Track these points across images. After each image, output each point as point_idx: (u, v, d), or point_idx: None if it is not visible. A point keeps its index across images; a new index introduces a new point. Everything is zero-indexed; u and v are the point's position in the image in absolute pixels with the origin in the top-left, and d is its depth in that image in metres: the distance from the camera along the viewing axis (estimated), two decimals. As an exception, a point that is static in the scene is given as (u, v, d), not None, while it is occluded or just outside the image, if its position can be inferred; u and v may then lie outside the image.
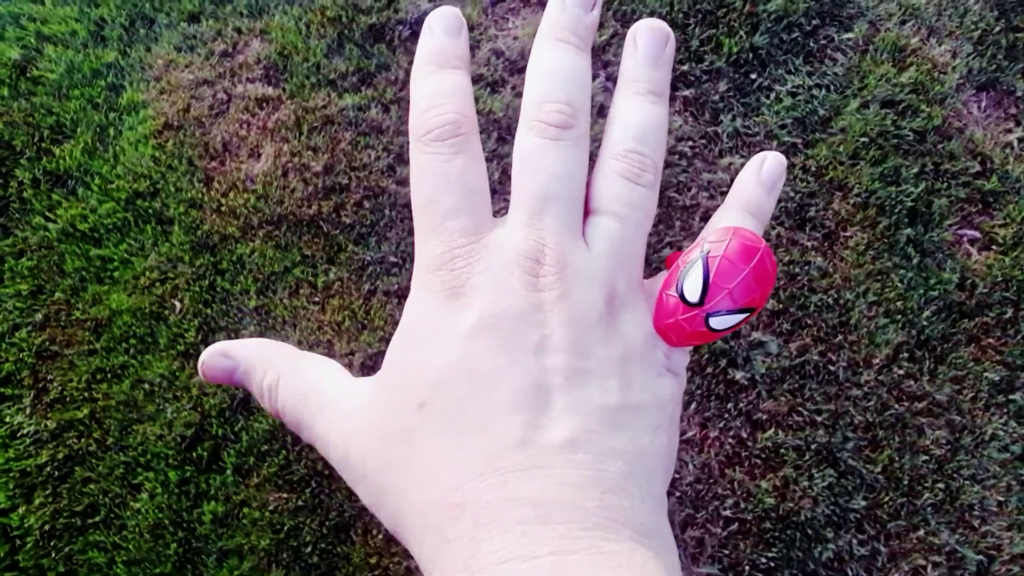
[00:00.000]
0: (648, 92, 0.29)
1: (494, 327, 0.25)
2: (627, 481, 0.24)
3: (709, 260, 0.26)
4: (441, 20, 0.29)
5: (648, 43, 0.29)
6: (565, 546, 0.22)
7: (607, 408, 0.24)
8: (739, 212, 0.29)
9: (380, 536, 1.02)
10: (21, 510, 1.02)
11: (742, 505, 1.05)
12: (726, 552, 1.04)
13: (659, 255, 1.14)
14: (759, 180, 0.30)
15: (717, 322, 0.26)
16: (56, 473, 1.04)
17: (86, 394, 1.07)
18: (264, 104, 1.23)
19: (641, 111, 0.29)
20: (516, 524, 0.22)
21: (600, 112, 1.18)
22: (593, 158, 0.28)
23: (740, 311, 0.26)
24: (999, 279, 1.16)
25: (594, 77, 1.26)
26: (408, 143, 0.28)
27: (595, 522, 0.22)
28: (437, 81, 0.28)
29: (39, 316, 1.10)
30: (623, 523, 0.23)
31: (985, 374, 1.12)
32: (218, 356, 0.29)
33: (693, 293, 0.26)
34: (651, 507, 0.24)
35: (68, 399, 1.07)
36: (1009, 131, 1.27)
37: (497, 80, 1.25)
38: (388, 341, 0.93)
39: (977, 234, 1.20)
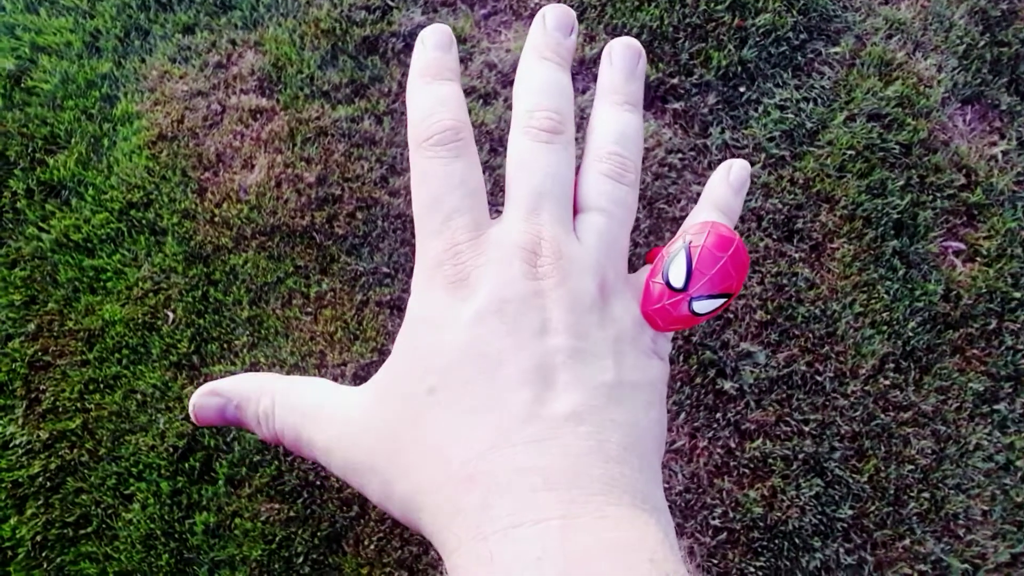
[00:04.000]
0: (625, 103, 0.32)
1: (499, 312, 0.26)
2: (626, 451, 0.25)
3: (691, 249, 0.29)
4: (433, 36, 0.31)
5: (623, 59, 0.32)
6: (572, 510, 0.23)
7: (605, 384, 0.26)
8: (712, 210, 0.32)
9: (372, 547, 1.02)
10: (13, 521, 1.02)
11: (731, 515, 1.06)
12: (715, 562, 1.05)
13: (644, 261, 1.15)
14: (728, 183, 0.32)
15: (700, 306, 0.28)
16: (48, 484, 1.04)
17: (79, 404, 1.07)
18: (258, 115, 1.24)
19: (620, 119, 0.31)
20: (526, 491, 0.23)
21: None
22: (577, 165, 0.31)
23: (719, 296, 0.28)
24: (983, 291, 1.18)
25: (586, 90, 1.28)
26: (401, 154, 0.30)
27: (599, 488, 0.24)
28: (432, 92, 0.30)
29: (32, 326, 1.10)
30: (624, 490, 0.24)
31: (970, 384, 1.14)
32: (208, 395, 0.30)
33: (678, 279, 0.28)
34: (648, 477, 0.26)
35: (61, 410, 1.07)
36: (993, 144, 1.29)
37: (490, 92, 1.27)
38: (381, 352, 0.93)
39: (962, 246, 1.22)
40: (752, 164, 1.25)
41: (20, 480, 1.04)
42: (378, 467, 0.27)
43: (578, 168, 0.31)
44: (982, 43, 1.34)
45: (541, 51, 0.31)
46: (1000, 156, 1.27)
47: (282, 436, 0.29)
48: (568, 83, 0.31)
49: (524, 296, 0.27)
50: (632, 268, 0.31)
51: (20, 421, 1.06)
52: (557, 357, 0.26)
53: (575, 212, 0.30)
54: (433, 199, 0.29)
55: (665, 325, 0.29)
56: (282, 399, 0.29)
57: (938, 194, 1.23)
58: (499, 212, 0.30)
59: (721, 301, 0.28)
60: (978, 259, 1.21)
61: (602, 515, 0.23)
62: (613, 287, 0.29)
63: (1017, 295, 1.18)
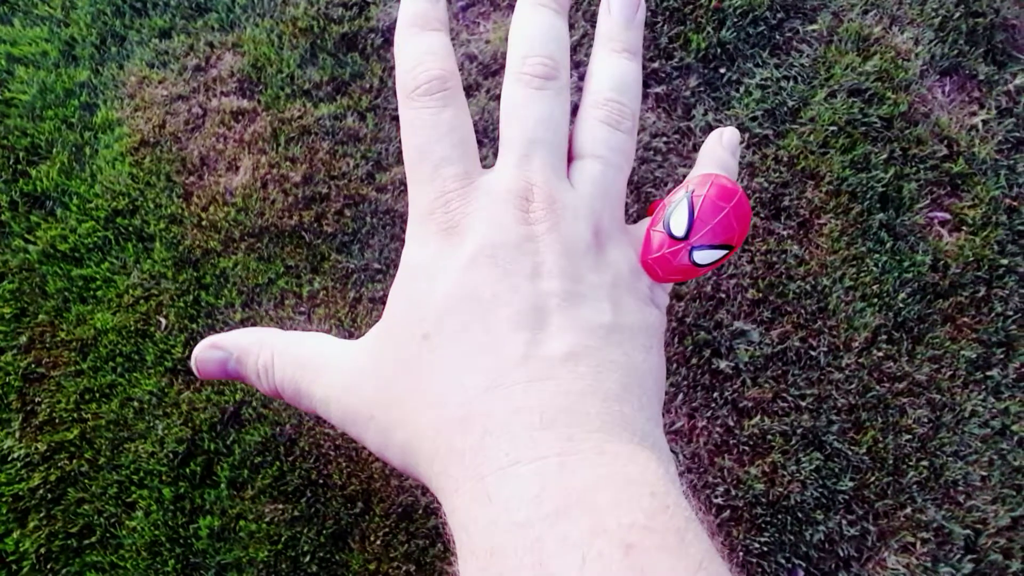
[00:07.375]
0: (623, 50, 0.31)
1: (491, 257, 0.26)
2: (625, 391, 0.25)
3: (694, 198, 0.28)
4: None
5: (621, 6, 0.32)
6: (570, 447, 0.23)
7: (602, 326, 0.26)
8: (713, 165, 0.32)
9: (378, 542, 1.02)
10: (16, 534, 1.01)
11: (733, 492, 1.07)
12: (720, 539, 1.05)
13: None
14: (722, 145, 0.33)
15: (700, 256, 0.28)
16: (49, 496, 1.03)
17: (75, 415, 1.07)
18: (240, 117, 1.23)
19: (618, 66, 0.31)
20: (523, 430, 0.23)
21: (573, 111, 1.19)
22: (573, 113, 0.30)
23: (721, 247, 0.28)
24: (970, 259, 1.19)
25: (567, 77, 1.28)
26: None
27: (598, 425, 0.24)
28: (420, 41, 0.30)
29: (24, 339, 1.10)
30: (624, 427, 0.24)
31: (962, 352, 1.15)
32: (209, 349, 0.30)
33: (679, 228, 0.28)
34: (648, 416, 0.26)
35: (57, 421, 1.06)
36: (973, 114, 1.30)
37: (471, 84, 1.26)
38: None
39: (947, 216, 1.23)
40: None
41: (20, 493, 1.03)
42: (376, 415, 0.27)
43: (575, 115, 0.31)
44: (957, 14, 1.35)
45: None
46: (980, 126, 1.28)
47: (282, 389, 0.29)
48: (564, 29, 0.31)
49: (516, 241, 0.26)
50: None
51: (17, 434, 1.05)
52: (551, 300, 0.26)
53: (571, 159, 0.30)
54: (422, 149, 0.28)
55: (665, 275, 0.28)
56: (281, 352, 0.29)
57: (921, 166, 1.25)
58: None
59: (722, 252, 0.28)
60: (964, 228, 1.22)
61: (600, 451, 0.23)
62: (608, 233, 0.28)
63: (1004, 262, 1.19)
